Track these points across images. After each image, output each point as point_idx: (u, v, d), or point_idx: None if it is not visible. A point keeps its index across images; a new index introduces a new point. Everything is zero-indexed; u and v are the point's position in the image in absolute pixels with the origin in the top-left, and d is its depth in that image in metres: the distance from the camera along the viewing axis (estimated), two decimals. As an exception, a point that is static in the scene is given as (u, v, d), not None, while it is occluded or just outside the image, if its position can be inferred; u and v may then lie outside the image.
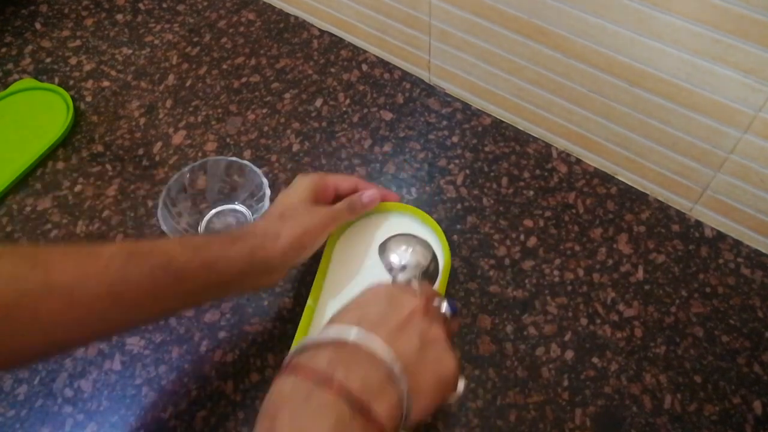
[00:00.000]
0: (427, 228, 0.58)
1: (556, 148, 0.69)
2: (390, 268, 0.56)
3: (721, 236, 0.63)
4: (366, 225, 0.60)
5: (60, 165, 0.70)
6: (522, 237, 0.63)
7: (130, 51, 0.81)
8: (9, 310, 0.39)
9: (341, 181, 0.58)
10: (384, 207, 0.59)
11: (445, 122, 0.72)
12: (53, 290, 0.40)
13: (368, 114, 0.73)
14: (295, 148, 0.71)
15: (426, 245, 0.57)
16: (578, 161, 0.68)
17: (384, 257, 0.57)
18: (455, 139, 0.70)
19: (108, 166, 0.70)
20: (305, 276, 0.61)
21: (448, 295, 0.59)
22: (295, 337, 0.53)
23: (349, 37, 0.80)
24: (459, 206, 0.65)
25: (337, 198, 0.57)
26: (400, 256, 0.56)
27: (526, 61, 0.63)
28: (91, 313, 0.41)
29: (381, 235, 0.59)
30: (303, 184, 0.55)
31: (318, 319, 0.55)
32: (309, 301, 0.55)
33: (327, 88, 0.76)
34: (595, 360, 0.56)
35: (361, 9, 0.74)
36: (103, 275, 0.42)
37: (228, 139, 0.71)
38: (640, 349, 0.56)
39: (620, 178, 0.67)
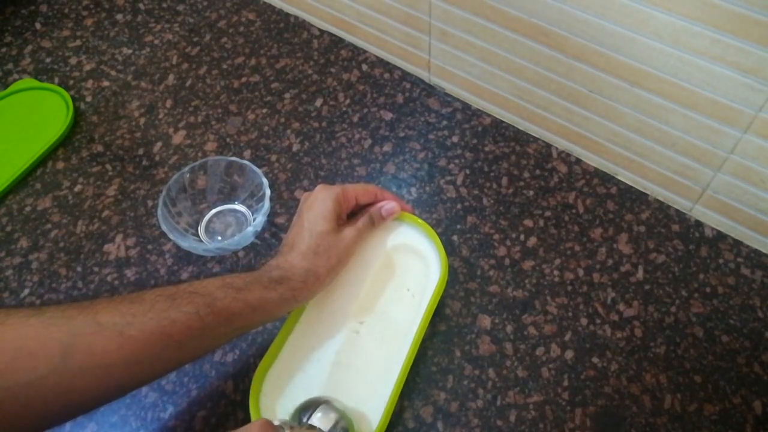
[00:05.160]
0: (427, 240, 0.58)
1: (556, 148, 0.69)
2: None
3: (721, 236, 0.63)
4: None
5: (60, 165, 0.70)
6: (522, 237, 0.63)
7: (130, 51, 0.81)
8: (65, 349, 0.39)
9: (361, 194, 0.57)
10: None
11: (445, 122, 0.72)
12: (104, 329, 0.41)
13: (368, 114, 0.73)
14: (295, 148, 0.71)
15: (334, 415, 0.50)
16: (578, 161, 0.68)
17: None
18: (455, 139, 0.70)
19: (108, 166, 0.70)
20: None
21: (445, 299, 0.59)
22: (277, 336, 0.53)
23: (349, 37, 0.80)
24: (459, 206, 0.65)
25: (356, 208, 0.58)
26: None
27: (526, 60, 0.63)
28: (144, 352, 0.42)
29: (378, 245, 0.59)
30: (327, 207, 0.54)
31: (306, 320, 0.55)
32: None
33: (327, 88, 0.76)
34: (595, 360, 0.56)
35: (361, 9, 0.74)
36: (150, 315, 0.43)
37: (228, 139, 0.71)
38: (640, 349, 0.56)
39: (620, 178, 0.67)
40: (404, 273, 0.58)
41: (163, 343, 0.43)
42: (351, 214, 0.58)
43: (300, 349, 0.54)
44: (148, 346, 0.42)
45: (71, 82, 0.78)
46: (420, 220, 0.58)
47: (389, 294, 0.57)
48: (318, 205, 0.54)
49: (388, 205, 0.58)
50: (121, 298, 0.44)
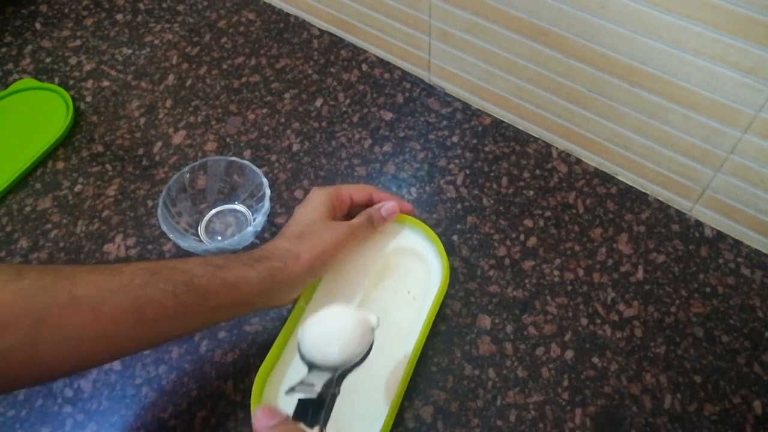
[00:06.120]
0: (428, 242, 0.58)
1: (556, 148, 0.69)
2: (307, 363, 0.44)
3: (721, 236, 0.63)
4: None
5: (60, 165, 0.70)
6: (522, 237, 0.63)
7: (130, 51, 0.81)
8: (37, 321, 0.39)
9: (356, 192, 0.57)
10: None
11: (445, 122, 0.72)
12: (79, 303, 0.41)
13: (368, 114, 0.73)
14: (295, 148, 0.71)
15: (363, 332, 0.44)
16: (578, 161, 0.68)
17: (303, 344, 0.44)
18: (455, 139, 0.70)
19: (108, 166, 0.70)
20: (305, 276, 0.61)
21: (445, 299, 0.59)
22: (278, 338, 0.53)
23: (349, 37, 0.80)
24: (459, 206, 0.65)
25: (352, 208, 0.57)
26: (322, 351, 0.43)
27: (526, 60, 0.63)
28: (115, 328, 0.42)
29: (378, 247, 0.58)
30: (319, 199, 0.54)
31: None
32: (300, 302, 0.55)
33: (327, 88, 0.76)
34: (595, 360, 0.56)
35: (361, 9, 0.74)
36: (127, 291, 0.42)
37: (228, 139, 0.71)
38: (640, 349, 0.56)
39: (620, 178, 0.67)
40: (405, 275, 0.58)
41: (136, 320, 0.43)
42: (349, 217, 0.57)
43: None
44: (121, 322, 0.42)
45: (71, 82, 0.78)
46: (420, 223, 0.58)
47: (390, 296, 0.57)
48: (309, 200, 0.54)
49: (388, 204, 0.57)
50: (101, 269, 0.43)
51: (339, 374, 0.42)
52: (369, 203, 0.58)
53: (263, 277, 0.48)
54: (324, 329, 0.43)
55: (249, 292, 0.47)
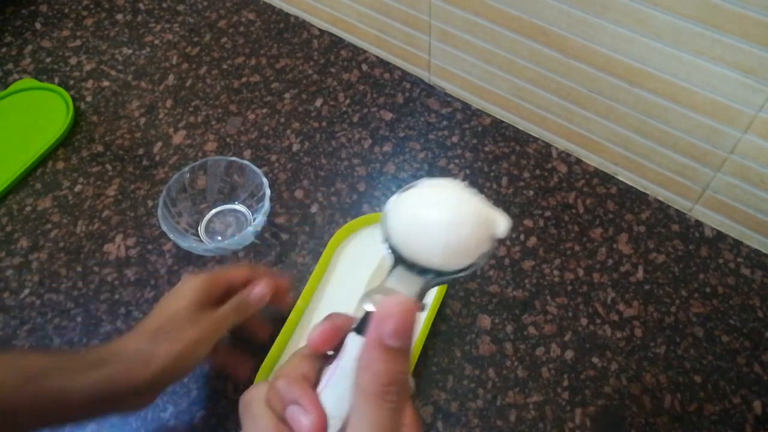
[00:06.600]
0: None
1: (556, 148, 0.69)
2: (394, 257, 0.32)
3: (721, 236, 0.63)
4: (370, 233, 0.59)
5: (60, 165, 0.70)
6: (522, 237, 0.63)
7: (130, 51, 0.81)
8: None
9: (233, 275, 0.51)
10: None
11: (445, 122, 0.72)
12: None
13: (368, 114, 0.73)
14: (295, 147, 0.71)
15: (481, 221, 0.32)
16: (578, 161, 0.68)
17: (393, 222, 0.32)
18: (455, 139, 0.70)
19: (108, 166, 0.70)
20: (306, 275, 0.60)
21: (446, 299, 0.59)
22: (278, 338, 0.53)
23: (349, 37, 0.80)
24: (459, 206, 0.65)
25: (232, 293, 0.51)
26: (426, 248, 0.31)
27: (526, 60, 0.63)
28: None
29: (376, 247, 0.57)
30: (188, 287, 0.48)
31: (305, 322, 0.55)
32: (299, 302, 0.55)
33: (327, 88, 0.76)
34: (595, 360, 0.56)
35: (361, 9, 0.74)
36: None
37: (228, 139, 0.71)
38: (640, 349, 0.56)
39: (620, 178, 0.67)
40: None
41: None
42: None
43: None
44: None
45: (71, 82, 0.78)
46: None
47: None
48: (178, 288, 0.48)
49: (257, 289, 0.50)
50: None
51: (432, 282, 0.31)
52: (248, 285, 0.52)
53: (97, 384, 0.41)
54: (430, 211, 0.31)
55: (74, 405, 0.40)
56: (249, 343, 0.54)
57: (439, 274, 0.31)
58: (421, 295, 0.31)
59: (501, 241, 0.62)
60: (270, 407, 0.30)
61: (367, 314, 0.29)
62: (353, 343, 0.30)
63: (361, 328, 0.30)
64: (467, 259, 0.31)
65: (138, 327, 0.45)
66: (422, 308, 0.30)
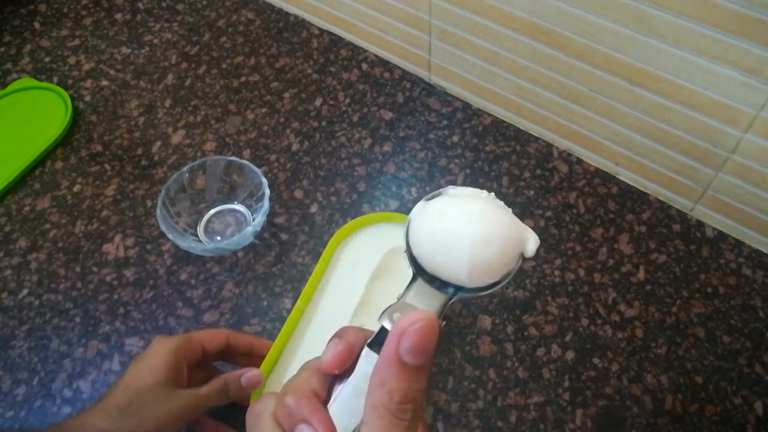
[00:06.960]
0: None
1: (557, 148, 0.69)
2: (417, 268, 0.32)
3: (722, 236, 0.62)
4: (370, 233, 0.59)
5: (59, 164, 0.70)
6: (522, 237, 0.63)
7: (129, 50, 0.80)
8: None
9: (209, 340, 0.48)
10: (390, 217, 0.59)
11: (445, 122, 0.72)
12: None
13: (368, 113, 0.73)
14: (295, 147, 0.70)
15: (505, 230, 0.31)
16: (579, 161, 0.68)
17: (417, 233, 0.32)
18: (455, 138, 0.70)
19: (107, 166, 0.70)
20: (306, 276, 0.60)
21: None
22: (277, 339, 0.53)
23: (348, 36, 0.80)
24: (459, 206, 0.65)
25: (207, 359, 0.48)
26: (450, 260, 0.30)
27: (526, 60, 0.63)
28: None
29: (375, 247, 0.57)
30: (160, 356, 0.44)
31: (305, 322, 0.55)
32: (299, 303, 0.55)
33: (327, 87, 0.75)
34: (596, 360, 0.55)
35: (360, 8, 0.73)
36: None
37: (227, 139, 0.71)
38: (641, 350, 0.56)
39: (621, 178, 0.67)
40: (405, 275, 0.58)
41: None
42: (203, 369, 0.48)
43: (300, 351, 0.54)
44: None
45: (70, 81, 0.77)
46: None
47: (388, 297, 0.57)
48: (148, 356, 0.44)
49: (250, 373, 0.47)
50: None
51: (454, 298, 0.30)
52: (226, 350, 0.50)
53: None
54: (458, 224, 0.29)
55: None
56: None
57: (459, 289, 0.30)
58: (441, 310, 0.29)
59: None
60: (278, 423, 0.30)
61: (384, 329, 0.28)
62: (367, 359, 0.29)
63: (375, 343, 0.29)
64: (493, 277, 0.31)
65: (104, 401, 0.42)
66: (443, 324, 0.29)
